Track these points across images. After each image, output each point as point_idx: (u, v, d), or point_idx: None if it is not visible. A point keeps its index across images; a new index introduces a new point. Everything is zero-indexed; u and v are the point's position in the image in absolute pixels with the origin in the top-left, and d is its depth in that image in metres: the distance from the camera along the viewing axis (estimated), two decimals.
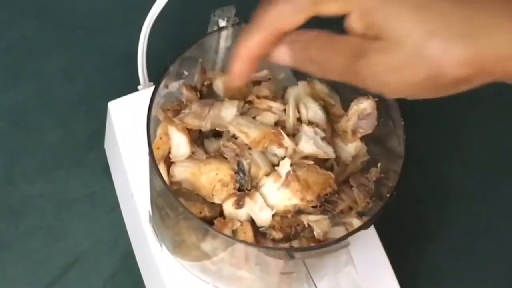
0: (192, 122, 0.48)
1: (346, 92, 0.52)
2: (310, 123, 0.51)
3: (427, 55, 0.32)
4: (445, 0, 0.32)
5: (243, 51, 0.38)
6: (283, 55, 0.37)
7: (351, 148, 0.51)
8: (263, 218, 0.47)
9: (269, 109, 0.50)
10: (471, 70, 0.32)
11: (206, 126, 0.48)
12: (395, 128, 0.49)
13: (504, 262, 0.69)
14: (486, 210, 0.71)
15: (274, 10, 0.36)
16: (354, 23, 0.35)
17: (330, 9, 0.35)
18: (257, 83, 0.52)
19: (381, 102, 0.50)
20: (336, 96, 0.53)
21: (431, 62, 0.32)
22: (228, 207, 0.47)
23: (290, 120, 0.49)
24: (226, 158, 0.47)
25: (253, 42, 0.37)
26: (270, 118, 0.49)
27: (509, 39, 0.31)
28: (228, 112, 0.48)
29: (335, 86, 0.53)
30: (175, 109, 0.49)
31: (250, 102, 0.51)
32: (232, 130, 0.47)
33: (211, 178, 0.47)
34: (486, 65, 0.32)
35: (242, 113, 0.49)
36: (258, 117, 0.49)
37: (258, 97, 0.51)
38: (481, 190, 0.72)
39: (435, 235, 0.69)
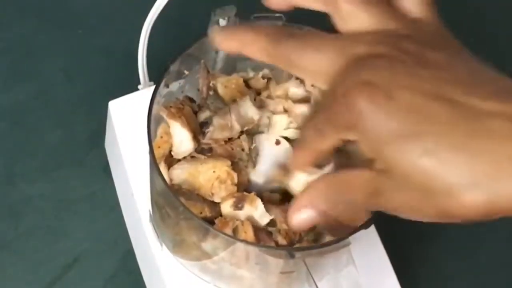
0: (223, 136, 0.48)
1: None
2: None
3: (436, 194, 0.31)
4: (455, 147, 0.31)
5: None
6: (306, 220, 0.37)
7: None
8: (263, 223, 0.47)
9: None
10: (484, 212, 0.31)
11: (236, 131, 0.48)
12: None
13: (505, 262, 0.69)
14: None
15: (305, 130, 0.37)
16: (362, 149, 0.34)
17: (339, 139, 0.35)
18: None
19: None
20: None
21: (442, 201, 0.32)
22: (227, 208, 0.47)
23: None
24: (221, 156, 0.48)
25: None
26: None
27: None
28: (245, 108, 0.49)
29: None
30: (178, 107, 0.49)
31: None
32: None
33: (209, 176, 0.47)
34: (499, 209, 0.31)
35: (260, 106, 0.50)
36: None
37: (271, 98, 0.51)
38: None
39: (436, 235, 0.69)
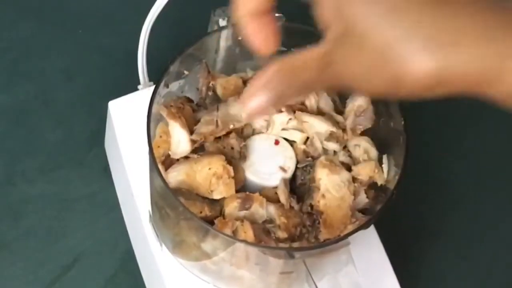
0: (207, 130, 0.48)
1: (345, 90, 0.52)
2: (320, 112, 0.51)
3: (390, 58, 0.31)
4: (419, 3, 0.31)
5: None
6: (260, 104, 0.36)
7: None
8: (262, 220, 0.47)
9: None
10: (433, 81, 0.31)
11: (220, 128, 0.48)
12: (395, 128, 0.49)
13: (504, 262, 0.69)
14: (486, 211, 0.71)
15: None
16: (323, 10, 0.34)
17: None
18: None
19: (380, 100, 0.50)
20: (334, 93, 0.53)
21: (394, 67, 0.31)
22: (231, 209, 0.47)
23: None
24: (214, 152, 0.48)
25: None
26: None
27: (472, 54, 0.30)
28: (236, 108, 0.49)
29: None
30: (178, 106, 0.49)
31: None
32: None
33: (205, 174, 0.47)
34: (447, 78, 0.31)
35: None
36: None
37: None
38: (482, 190, 0.72)
39: (435, 235, 0.69)
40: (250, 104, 0.36)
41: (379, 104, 0.50)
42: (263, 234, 0.46)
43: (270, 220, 0.47)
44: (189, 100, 0.51)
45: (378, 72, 0.32)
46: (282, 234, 0.46)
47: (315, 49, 0.34)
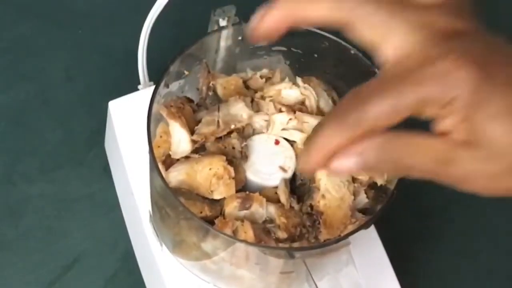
0: (208, 130, 0.48)
1: (344, 90, 0.52)
2: (320, 112, 0.51)
3: None
4: None
5: (321, 147, 0.34)
6: (345, 168, 0.34)
7: None
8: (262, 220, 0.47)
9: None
10: None
11: (221, 128, 0.48)
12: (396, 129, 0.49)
13: (504, 262, 0.69)
14: (486, 211, 0.71)
15: (370, 107, 0.33)
16: (452, 126, 0.33)
17: (431, 110, 0.33)
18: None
19: None
20: (334, 93, 0.53)
21: None
22: (231, 209, 0.47)
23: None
24: (215, 152, 0.48)
25: (336, 141, 0.34)
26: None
27: None
28: (237, 108, 0.49)
29: (332, 84, 0.53)
30: (178, 106, 0.49)
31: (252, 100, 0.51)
32: None
33: (206, 174, 0.47)
34: None
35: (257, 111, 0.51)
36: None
37: (263, 98, 0.51)
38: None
39: (435, 235, 0.69)
40: (340, 163, 0.34)
41: None
42: (263, 234, 0.46)
43: (270, 220, 0.47)
44: (189, 100, 0.51)
45: (505, 181, 0.33)
46: (282, 234, 0.46)
47: (436, 140, 0.33)
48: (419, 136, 0.34)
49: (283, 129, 0.50)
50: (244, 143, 0.49)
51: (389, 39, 0.34)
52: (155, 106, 0.48)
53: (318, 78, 0.53)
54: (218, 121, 0.49)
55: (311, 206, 0.47)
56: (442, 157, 0.33)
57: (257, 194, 0.47)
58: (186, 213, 0.44)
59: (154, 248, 0.55)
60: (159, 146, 0.49)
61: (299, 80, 0.52)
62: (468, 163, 0.33)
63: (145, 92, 0.59)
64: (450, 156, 0.33)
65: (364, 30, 0.34)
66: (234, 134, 0.49)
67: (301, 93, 0.51)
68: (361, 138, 0.33)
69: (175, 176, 0.47)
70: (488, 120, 0.32)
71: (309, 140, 0.35)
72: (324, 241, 0.46)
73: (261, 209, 0.47)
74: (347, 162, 0.34)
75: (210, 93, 0.52)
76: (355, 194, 0.48)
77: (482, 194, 0.34)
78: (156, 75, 0.49)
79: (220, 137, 0.49)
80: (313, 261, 0.47)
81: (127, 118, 0.59)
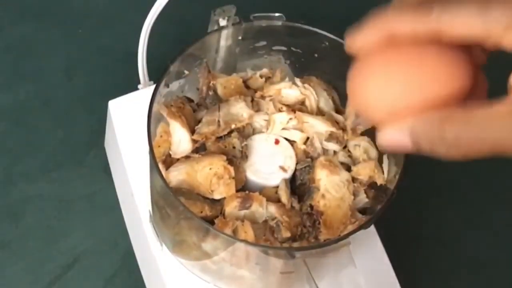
0: (209, 130, 0.48)
1: (344, 90, 0.52)
2: (320, 112, 0.51)
3: None
4: None
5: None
6: (400, 140, 0.34)
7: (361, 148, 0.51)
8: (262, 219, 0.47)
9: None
10: None
11: (222, 128, 0.48)
12: None
13: (504, 262, 0.69)
14: (486, 211, 0.71)
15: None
16: None
17: (461, 29, 0.32)
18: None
19: None
20: (334, 93, 0.53)
21: None
22: (231, 209, 0.47)
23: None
24: (216, 152, 0.48)
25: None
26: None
27: None
28: (237, 108, 0.49)
29: (332, 83, 0.53)
30: (178, 106, 0.49)
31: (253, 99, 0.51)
32: None
33: (206, 174, 0.47)
34: None
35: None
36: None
37: (263, 97, 0.52)
38: (482, 190, 0.72)
39: (435, 235, 0.69)
40: (392, 136, 0.34)
41: None
42: (268, 232, 0.46)
43: (273, 219, 0.47)
44: (190, 100, 0.51)
45: None
46: (285, 233, 0.46)
47: (500, 106, 0.32)
48: (483, 108, 0.32)
49: (283, 129, 0.50)
50: (244, 143, 0.49)
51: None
52: (155, 105, 0.48)
53: (318, 78, 0.53)
54: (218, 121, 0.49)
55: (311, 206, 0.47)
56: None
57: (257, 193, 0.47)
58: (186, 212, 0.44)
59: (154, 248, 0.55)
60: (159, 146, 0.49)
61: (297, 80, 0.52)
62: None
63: (145, 92, 0.59)
64: None
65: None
66: (234, 134, 0.49)
67: (301, 93, 0.51)
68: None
69: (175, 175, 0.47)
70: None
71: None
72: (324, 241, 0.46)
73: (261, 209, 0.47)
74: (398, 137, 0.34)
75: (210, 93, 0.52)
76: (355, 194, 0.48)
77: None
78: (156, 75, 0.49)
79: (221, 137, 0.49)
80: (313, 261, 0.47)
81: (127, 118, 0.59)
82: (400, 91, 0.34)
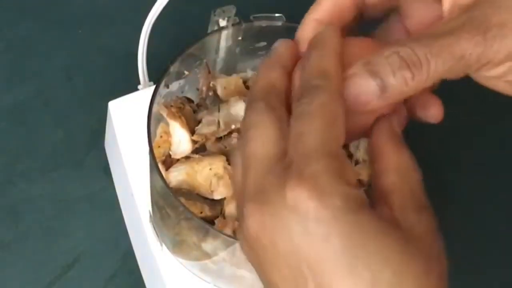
0: (209, 130, 0.48)
1: None
2: None
3: None
4: None
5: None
6: (368, 94, 0.33)
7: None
8: None
9: None
10: None
11: (222, 128, 0.48)
12: None
13: (504, 262, 0.69)
14: (487, 211, 0.71)
15: None
16: None
17: None
18: None
19: None
20: None
21: None
22: (232, 209, 0.47)
23: None
24: (216, 153, 0.48)
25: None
26: None
27: None
28: (237, 108, 0.49)
29: None
30: (178, 106, 0.49)
31: None
32: None
33: (206, 174, 0.47)
34: None
35: None
36: None
37: None
38: (482, 191, 0.72)
39: None
40: (355, 87, 0.33)
41: None
42: None
43: None
44: (190, 100, 0.51)
45: None
46: None
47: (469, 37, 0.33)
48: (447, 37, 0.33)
49: None
50: None
51: None
52: (155, 106, 0.48)
53: None
54: (218, 121, 0.49)
55: None
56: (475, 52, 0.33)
57: None
58: (186, 213, 0.44)
59: (154, 248, 0.55)
60: (159, 146, 0.49)
61: None
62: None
63: (145, 92, 0.59)
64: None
65: None
66: (234, 134, 0.49)
67: None
68: None
69: (175, 176, 0.47)
70: None
71: None
72: None
73: None
74: (364, 87, 0.33)
75: (210, 93, 0.52)
76: None
77: None
78: (156, 75, 0.49)
79: (221, 137, 0.49)
80: None
81: (127, 118, 0.59)
82: None
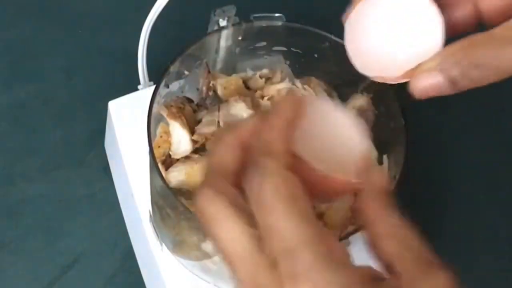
0: (209, 130, 0.48)
1: (344, 90, 0.52)
2: None
3: None
4: None
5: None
6: (434, 81, 0.35)
7: None
8: None
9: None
10: None
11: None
12: (395, 128, 0.49)
13: (504, 262, 0.69)
14: (486, 211, 0.71)
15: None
16: None
17: None
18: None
19: (380, 101, 0.50)
20: (334, 93, 0.53)
21: None
22: None
23: None
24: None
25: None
26: None
27: None
28: (237, 108, 0.49)
29: (332, 84, 0.53)
30: (178, 106, 0.49)
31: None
32: None
33: None
34: None
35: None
36: None
37: (262, 97, 0.52)
38: (482, 190, 0.72)
39: (435, 235, 0.69)
40: (422, 82, 0.35)
41: (380, 105, 0.50)
42: None
43: None
44: (190, 100, 0.51)
45: None
46: None
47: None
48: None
49: None
50: None
51: None
52: (155, 106, 0.48)
53: (318, 78, 0.53)
54: (218, 121, 0.49)
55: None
56: None
57: None
58: (187, 213, 0.44)
59: (154, 248, 0.55)
60: (159, 146, 0.49)
61: (297, 82, 0.52)
62: None
63: (145, 92, 0.59)
64: None
65: None
66: None
67: (301, 93, 0.51)
68: None
69: (175, 176, 0.47)
70: None
71: None
72: None
73: None
74: (430, 80, 0.35)
75: (210, 93, 0.52)
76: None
77: None
78: (156, 75, 0.49)
79: None
80: None
81: (127, 118, 0.59)
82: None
